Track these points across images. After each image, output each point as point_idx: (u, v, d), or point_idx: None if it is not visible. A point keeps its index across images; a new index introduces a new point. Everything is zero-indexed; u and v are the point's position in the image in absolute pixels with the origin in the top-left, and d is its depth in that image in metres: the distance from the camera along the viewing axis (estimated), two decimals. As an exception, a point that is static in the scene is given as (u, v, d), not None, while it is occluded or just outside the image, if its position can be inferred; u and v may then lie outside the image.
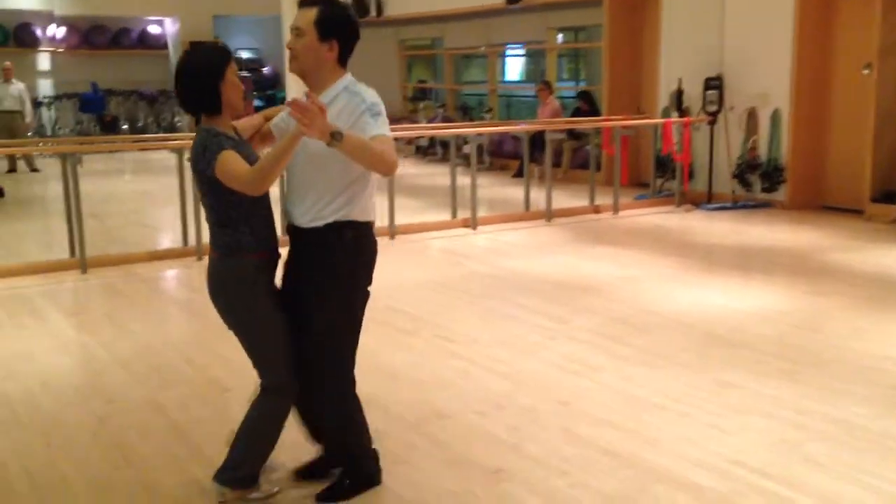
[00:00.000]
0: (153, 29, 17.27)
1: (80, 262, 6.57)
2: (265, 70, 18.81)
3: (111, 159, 14.45)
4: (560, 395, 4.00)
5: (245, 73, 17.26)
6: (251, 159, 2.78)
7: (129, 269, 6.64)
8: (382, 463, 3.19)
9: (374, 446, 3.18)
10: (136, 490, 3.13)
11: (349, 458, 3.12)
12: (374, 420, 3.70)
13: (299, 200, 2.87)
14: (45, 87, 16.47)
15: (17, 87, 12.77)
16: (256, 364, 2.95)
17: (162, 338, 4.97)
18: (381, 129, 2.79)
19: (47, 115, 16.15)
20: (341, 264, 2.88)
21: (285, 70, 13.48)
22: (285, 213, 2.94)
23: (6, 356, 4.60)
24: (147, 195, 10.81)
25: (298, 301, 2.91)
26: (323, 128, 2.55)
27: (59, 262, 6.79)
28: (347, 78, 2.91)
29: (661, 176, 9.86)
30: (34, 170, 12.85)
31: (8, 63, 12.95)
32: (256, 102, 17.58)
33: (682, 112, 9.64)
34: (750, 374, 4.22)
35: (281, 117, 3.01)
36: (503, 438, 3.54)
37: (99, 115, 16.35)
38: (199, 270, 6.65)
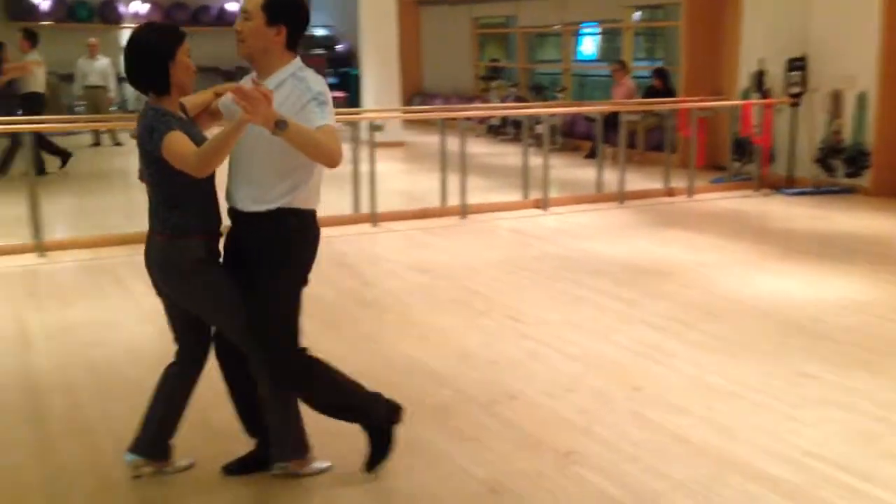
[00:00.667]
0: (231, 6, 17.53)
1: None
2: (339, 47, 18.94)
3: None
4: (631, 379, 3.98)
5: (319, 51, 17.45)
6: (197, 139, 2.77)
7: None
8: (453, 440, 3.23)
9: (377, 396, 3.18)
10: (219, 455, 3.22)
11: (355, 417, 3.11)
12: (445, 399, 3.76)
13: (242, 184, 2.85)
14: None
15: (102, 62, 13.15)
16: (242, 334, 2.91)
17: (238, 310, 5.09)
18: (326, 119, 2.73)
19: (130, 90, 16.56)
20: (281, 252, 2.86)
21: (360, 47, 13.57)
22: (227, 196, 2.92)
23: (93, 324, 4.78)
24: (221, 172, 11.03)
25: (238, 284, 2.90)
26: (267, 116, 2.52)
27: (141, 234, 6.96)
28: (295, 63, 2.87)
29: (740, 159, 9.64)
30: (117, 143, 13.23)
31: (93, 40, 13.33)
32: (330, 80, 17.77)
33: (764, 94, 9.39)
34: (829, 364, 4.12)
35: (229, 97, 2.95)
36: (573, 421, 3.54)
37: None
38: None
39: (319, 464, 3.11)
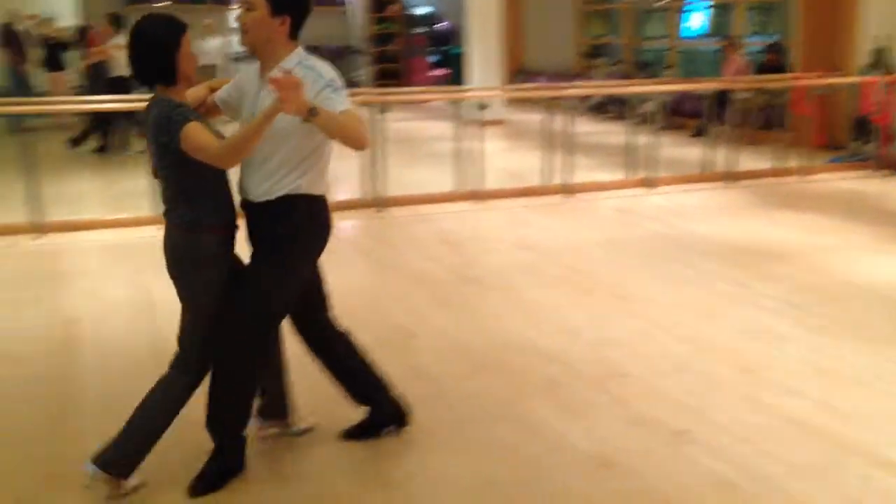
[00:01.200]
0: (336, -15, 17.79)
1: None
2: (441, 26, 19.01)
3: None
4: (743, 361, 3.92)
5: (420, 29, 17.56)
6: (211, 131, 2.74)
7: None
8: (562, 415, 3.28)
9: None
10: (334, 422, 3.35)
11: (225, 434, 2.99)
12: (553, 374, 3.80)
13: (256, 176, 2.84)
14: (236, 45, 17.38)
15: (216, 42, 13.59)
16: (190, 342, 2.89)
17: (348, 284, 5.22)
18: (346, 103, 2.73)
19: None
20: (293, 236, 2.86)
21: (462, 26, 13.59)
22: (241, 189, 2.91)
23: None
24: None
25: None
26: (301, 104, 2.53)
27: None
28: (300, 52, 2.86)
29: (859, 139, 9.25)
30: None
31: (209, 20, 13.79)
32: (432, 58, 17.87)
33: (885, 70, 8.97)
34: (954, 352, 3.97)
35: (226, 90, 2.96)
36: (684, 401, 3.52)
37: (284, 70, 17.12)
38: (379, 222, 6.93)
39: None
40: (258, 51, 2.83)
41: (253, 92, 2.86)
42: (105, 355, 4.09)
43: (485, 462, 3.06)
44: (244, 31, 2.81)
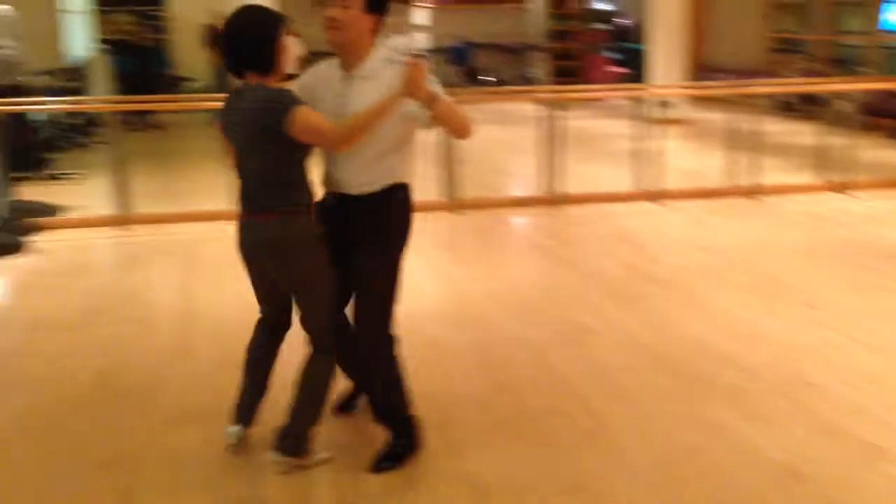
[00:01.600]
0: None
1: (454, 203, 7.20)
2: (623, 22, 18.73)
3: (474, 110, 15.31)
4: (946, 378, 3.69)
5: (601, 25, 17.37)
6: None
7: (495, 212, 7.14)
8: (747, 421, 3.22)
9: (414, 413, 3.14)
10: (511, 412, 3.45)
11: (398, 420, 3.09)
12: (737, 380, 3.73)
13: (351, 165, 2.84)
14: (420, 41, 17.87)
15: (401, 41, 14.07)
16: (315, 324, 2.94)
17: (527, 279, 5.33)
18: (443, 93, 2.74)
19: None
20: (395, 226, 2.91)
21: (646, 21, 13.36)
22: (333, 183, 2.91)
23: (397, 282, 5.23)
24: (507, 144, 11.42)
25: (349, 265, 2.91)
26: (427, 90, 2.61)
27: (434, 202, 7.49)
28: (382, 48, 2.88)
29: None
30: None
31: (392, 19, 14.28)
32: (612, 55, 17.64)
33: None
34: None
35: (303, 84, 2.93)
36: (878, 414, 3.37)
37: (464, 67, 17.44)
38: (556, 219, 6.97)
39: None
40: (346, 47, 2.83)
41: (335, 88, 2.86)
42: (290, 340, 4.37)
43: (669, 461, 3.06)
44: (336, 27, 2.78)
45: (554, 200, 7.31)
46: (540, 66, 17.76)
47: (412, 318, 4.56)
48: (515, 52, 18.01)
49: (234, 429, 3.13)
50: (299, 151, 2.79)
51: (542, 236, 6.63)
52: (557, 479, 2.94)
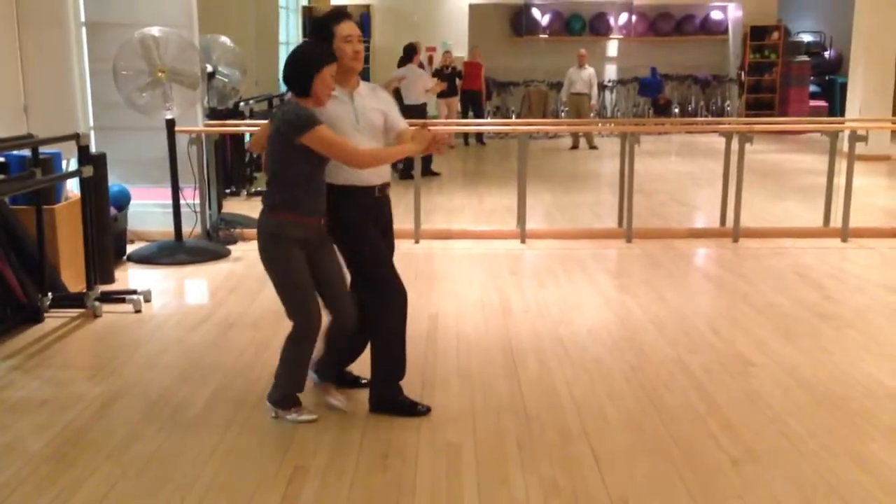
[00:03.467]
0: (715, 15, 17.59)
1: (627, 232, 7.22)
2: (827, 54, 17.90)
3: (660, 141, 15.24)
4: None
5: (804, 58, 16.68)
6: None
7: (668, 243, 7.10)
8: (907, 463, 3.08)
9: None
10: (660, 432, 3.49)
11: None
12: (904, 421, 3.56)
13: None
14: (611, 72, 17.92)
15: (588, 72, 14.20)
16: (284, 304, 3.54)
17: (693, 308, 5.29)
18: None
19: (609, 97, 17.60)
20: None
21: (849, 55, 12.73)
22: (377, 175, 3.60)
23: (562, 305, 5.36)
24: (690, 176, 11.25)
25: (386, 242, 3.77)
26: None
27: (608, 230, 7.55)
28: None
29: None
30: (593, 147, 14.19)
31: (583, 50, 14.46)
32: (812, 88, 16.88)
33: None
34: None
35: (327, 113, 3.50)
36: None
37: (654, 99, 17.28)
38: (733, 251, 6.84)
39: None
40: (353, 75, 3.59)
41: (349, 105, 3.55)
42: (461, 345, 4.60)
43: (818, 497, 2.99)
44: (361, 59, 3.57)
45: (733, 234, 7.16)
46: (733, 99, 17.29)
47: (575, 337, 4.71)
48: (708, 84, 17.65)
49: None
50: (300, 158, 3.39)
51: (715, 268, 6.53)
52: None
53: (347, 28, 3.56)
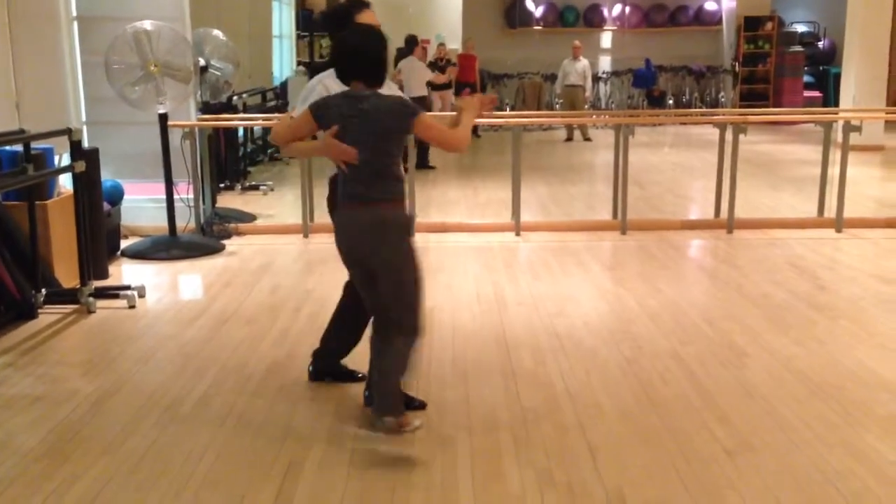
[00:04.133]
0: (709, 5, 17.57)
1: (621, 224, 7.22)
2: (821, 44, 17.90)
3: (655, 132, 15.24)
4: None
5: (797, 48, 16.68)
6: None
7: (663, 234, 7.10)
8: (901, 452, 3.09)
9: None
10: (655, 424, 3.49)
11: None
12: (895, 408, 3.58)
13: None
14: (605, 64, 17.90)
15: (582, 63, 14.19)
16: (407, 306, 3.27)
17: (687, 299, 5.29)
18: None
19: (603, 89, 17.59)
20: None
21: (842, 45, 12.74)
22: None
23: (558, 297, 5.36)
24: (684, 167, 11.25)
25: None
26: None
27: (603, 222, 7.55)
28: None
29: None
30: (587, 139, 14.19)
31: (577, 42, 14.44)
32: (806, 78, 16.89)
33: None
34: None
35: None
36: None
37: (648, 90, 17.27)
38: (727, 242, 6.84)
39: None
40: None
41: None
42: (456, 338, 4.60)
43: (812, 486, 3.00)
44: None
45: (727, 225, 7.17)
46: (728, 90, 17.29)
47: (570, 329, 4.71)
48: (702, 75, 17.64)
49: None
50: (400, 149, 3.29)
51: (710, 259, 6.53)
52: (690, 495, 2.96)
53: (369, 18, 3.49)
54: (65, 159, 5.73)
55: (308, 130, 3.27)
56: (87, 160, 5.41)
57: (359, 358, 3.85)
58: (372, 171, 3.21)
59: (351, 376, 3.94)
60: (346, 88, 3.30)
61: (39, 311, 5.08)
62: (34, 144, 5.22)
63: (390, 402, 3.31)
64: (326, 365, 3.93)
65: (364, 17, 3.49)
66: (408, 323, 3.30)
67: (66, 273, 5.53)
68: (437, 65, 13.42)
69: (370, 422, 3.43)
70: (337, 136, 3.17)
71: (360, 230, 3.25)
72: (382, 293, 3.31)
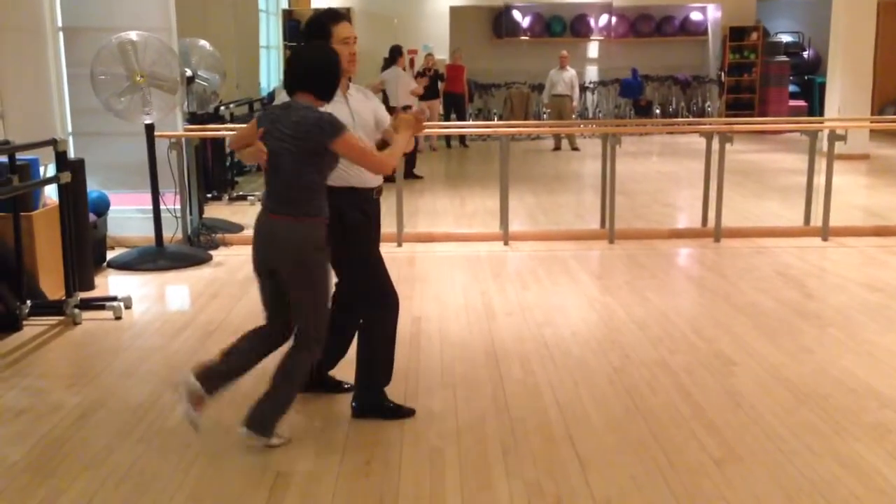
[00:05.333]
0: (695, 16, 17.66)
1: (609, 233, 7.24)
2: (805, 54, 18.02)
3: (642, 141, 15.29)
4: None
5: (783, 58, 16.78)
6: None
7: (650, 243, 7.12)
8: (890, 462, 3.09)
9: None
10: (644, 434, 3.49)
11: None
12: (885, 419, 3.60)
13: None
14: (592, 73, 17.96)
15: (570, 73, 14.23)
16: (313, 320, 3.29)
17: (675, 308, 5.30)
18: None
19: (590, 98, 17.64)
20: None
21: (827, 55, 12.83)
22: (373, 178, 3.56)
23: (546, 306, 5.36)
24: (671, 176, 11.29)
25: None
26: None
27: (591, 231, 7.57)
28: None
29: None
30: (575, 148, 14.22)
31: (564, 52, 14.49)
32: (791, 88, 16.99)
33: None
34: None
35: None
36: None
37: (635, 100, 17.34)
38: (714, 251, 6.86)
39: None
40: (346, 77, 3.49)
41: (345, 106, 3.48)
42: (444, 349, 4.59)
43: (800, 494, 3.00)
44: (356, 62, 3.52)
45: (715, 233, 7.19)
46: (714, 99, 17.38)
47: (559, 339, 4.70)
48: (688, 84, 17.73)
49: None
50: (331, 166, 3.30)
51: (697, 268, 6.55)
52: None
53: (346, 30, 3.48)
54: (50, 170, 5.69)
55: (254, 136, 3.30)
56: (72, 171, 5.38)
57: (346, 368, 3.83)
58: (288, 183, 3.23)
59: (338, 387, 3.92)
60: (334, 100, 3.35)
61: (24, 322, 5.04)
62: (19, 155, 5.19)
63: (272, 418, 3.37)
64: (313, 375, 3.91)
65: (341, 29, 3.47)
66: (305, 334, 3.34)
67: (52, 284, 5.49)
68: (425, 75, 13.44)
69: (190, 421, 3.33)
70: (263, 140, 3.24)
71: (266, 240, 3.30)
72: (291, 300, 3.32)
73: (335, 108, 3.40)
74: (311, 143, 3.19)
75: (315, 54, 3.28)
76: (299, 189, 3.23)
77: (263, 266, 3.35)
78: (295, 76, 3.27)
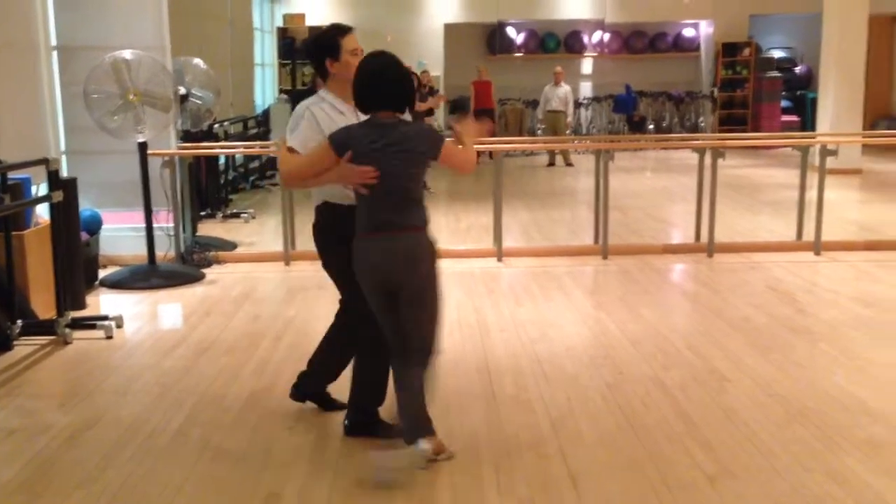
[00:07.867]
0: (687, 32, 17.76)
1: (602, 248, 7.24)
2: (798, 69, 18.12)
3: (635, 157, 15.33)
4: None
5: (776, 74, 16.87)
6: None
7: (644, 259, 7.12)
8: (880, 477, 3.10)
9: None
10: (637, 450, 3.48)
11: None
12: (876, 434, 3.60)
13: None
14: (586, 89, 18.03)
15: (564, 89, 14.29)
16: (430, 332, 3.32)
17: (668, 324, 5.30)
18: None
19: (584, 114, 17.70)
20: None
21: (819, 70, 12.90)
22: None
23: (539, 322, 5.35)
24: (665, 192, 11.32)
25: None
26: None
27: (584, 247, 7.57)
28: None
29: None
30: (569, 164, 14.25)
31: (559, 68, 14.55)
32: (784, 103, 17.07)
33: None
34: None
35: (312, 138, 3.39)
36: None
37: (628, 115, 17.40)
38: (708, 266, 6.87)
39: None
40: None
41: (354, 118, 3.40)
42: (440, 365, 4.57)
43: (787, 510, 3.00)
44: None
45: (708, 249, 7.20)
46: (707, 115, 17.46)
47: (552, 355, 4.70)
48: (681, 100, 17.81)
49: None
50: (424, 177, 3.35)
51: (690, 283, 6.55)
52: (673, 519, 2.95)
53: (353, 42, 3.54)
54: (42, 189, 5.69)
55: (329, 164, 3.22)
56: (64, 190, 5.38)
57: (341, 386, 3.82)
58: (403, 198, 3.25)
59: (333, 405, 3.91)
60: (328, 114, 3.37)
61: (15, 342, 5.01)
62: (11, 174, 5.19)
63: (418, 423, 3.34)
64: (311, 386, 3.90)
65: (349, 41, 3.51)
66: (428, 346, 3.35)
67: (43, 304, 5.47)
68: (420, 92, 13.47)
69: (399, 460, 3.28)
70: (356, 162, 3.16)
71: (393, 257, 3.23)
72: (405, 318, 3.30)
73: (344, 119, 3.42)
74: (422, 156, 3.25)
75: (393, 71, 3.24)
76: (415, 202, 3.28)
77: (385, 286, 3.28)
78: (370, 91, 3.22)
